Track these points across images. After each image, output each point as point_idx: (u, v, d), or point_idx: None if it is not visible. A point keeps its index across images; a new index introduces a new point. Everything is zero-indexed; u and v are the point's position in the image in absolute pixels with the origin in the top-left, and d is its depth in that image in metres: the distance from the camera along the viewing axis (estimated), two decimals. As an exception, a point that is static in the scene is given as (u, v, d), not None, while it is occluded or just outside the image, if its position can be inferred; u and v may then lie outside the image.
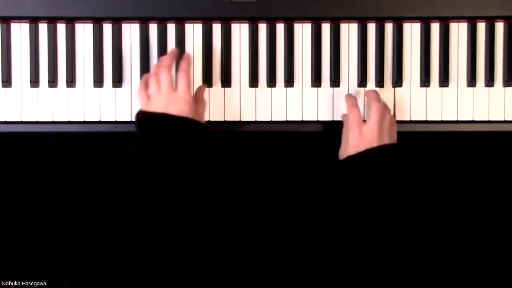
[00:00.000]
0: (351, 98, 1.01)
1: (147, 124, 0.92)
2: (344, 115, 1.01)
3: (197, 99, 0.98)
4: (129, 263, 0.81)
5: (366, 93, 1.01)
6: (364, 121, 0.98)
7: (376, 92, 1.01)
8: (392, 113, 1.02)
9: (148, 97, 0.94)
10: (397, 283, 0.88)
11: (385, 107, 0.98)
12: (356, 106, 0.99)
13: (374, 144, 0.94)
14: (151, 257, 0.83)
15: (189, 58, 0.99)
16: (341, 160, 0.96)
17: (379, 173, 0.92)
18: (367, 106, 1.02)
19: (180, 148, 0.90)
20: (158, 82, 0.94)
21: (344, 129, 0.99)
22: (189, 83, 0.95)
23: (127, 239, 0.83)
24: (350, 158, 0.94)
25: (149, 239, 0.83)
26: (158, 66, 0.97)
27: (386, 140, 0.95)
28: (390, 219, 0.91)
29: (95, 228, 0.85)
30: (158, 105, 0.93)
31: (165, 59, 0.97)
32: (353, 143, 0.95)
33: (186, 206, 0.88)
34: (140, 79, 1.01)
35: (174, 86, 0.94)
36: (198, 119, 0.94)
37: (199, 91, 1.01)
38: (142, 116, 0.93)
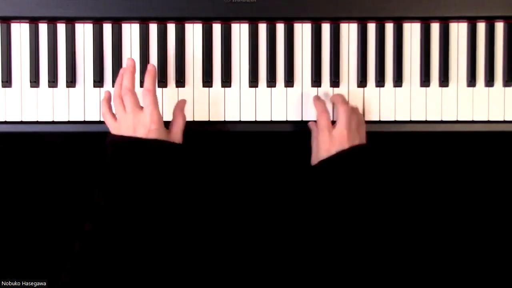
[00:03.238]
0: (320, 104, 1.01)
1: (117, 148, 0.92)
2: (312, 123, 1.02)
3: (175, 114, 0.97)
4: (110, 280, 0.84)
5: (333, 98, 1.02)
6: (334, 123, 0.98)
7: (341, 95, 1.02)
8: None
9: (115, 118, 0.95)
10: (373, 282, 0.89)
11: (352, 108, 0.99)
12: (326, 111, 0.99)
13: (345, 145, 0.95)
14: (131, 273, 0.85)
15: (152, 71, 0.95)
16: (314, 165, 0.97)
17: (352, 173, 0.93)
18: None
19: (150, 169, 0.90)
20: (122, 103, 0.94)
21: (313, 135, 1.00)
22: (154, 101, 0.93)
23: (107, 257, 0.85)
24: (323, 162, 0.95)
25: (128, 256, 0.85)
26: (118, 85, 0.96)
27: (356, 141, 0.96)
28: (365, 218, 0.91)
29: (78, 247, 0.87)
30: (126, 128, 0.92)
31: (125, 79, 0.94)
32: (325, 147, 0.96)
33: (162, 223, 0.89)
34: (102, 100, 0.99)
35: (140, 105, 0.94)
36: (172, 135, 0.94)
37: (179, 104, 0.98)
38: (111, 139, 0.93)
